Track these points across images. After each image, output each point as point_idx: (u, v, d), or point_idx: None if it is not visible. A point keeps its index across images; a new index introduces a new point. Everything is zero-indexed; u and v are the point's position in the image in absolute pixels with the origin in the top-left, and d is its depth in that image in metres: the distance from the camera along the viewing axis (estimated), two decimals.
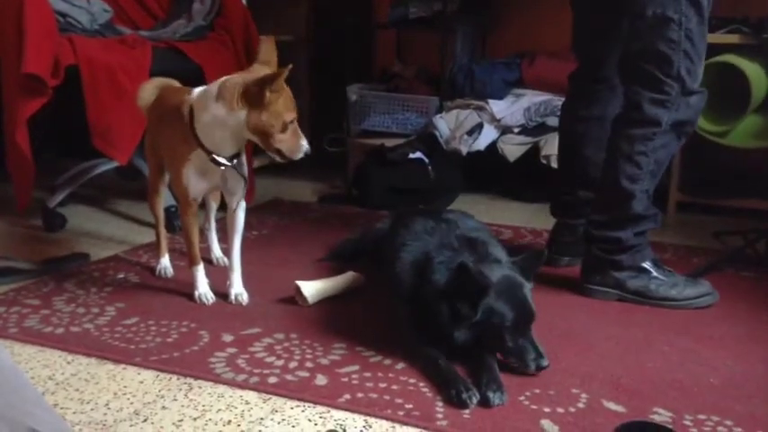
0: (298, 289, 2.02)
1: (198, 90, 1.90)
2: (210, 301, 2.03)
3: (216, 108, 1.80)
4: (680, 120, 1.95)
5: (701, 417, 1.46)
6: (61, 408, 1.48)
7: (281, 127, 1.80)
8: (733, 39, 2.77)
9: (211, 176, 1.93)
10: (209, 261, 2.30)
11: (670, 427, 1.41)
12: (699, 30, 1.91)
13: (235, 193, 1.99)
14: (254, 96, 1.76)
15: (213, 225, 2.39)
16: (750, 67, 2.71)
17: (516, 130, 3.22)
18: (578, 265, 2.17)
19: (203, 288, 2.06)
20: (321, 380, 1.59)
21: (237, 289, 2.05)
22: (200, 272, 2.07)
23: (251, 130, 1.81)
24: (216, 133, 1.83)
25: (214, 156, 1.87)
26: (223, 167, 1.90)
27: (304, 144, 1.84)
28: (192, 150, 1.87)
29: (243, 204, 2.03)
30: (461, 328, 1.59)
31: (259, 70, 1.83)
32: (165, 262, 2.28)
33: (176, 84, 2.21)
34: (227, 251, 2.13)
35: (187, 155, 1.89)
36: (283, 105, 1.79)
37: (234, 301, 2.03)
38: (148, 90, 2.17)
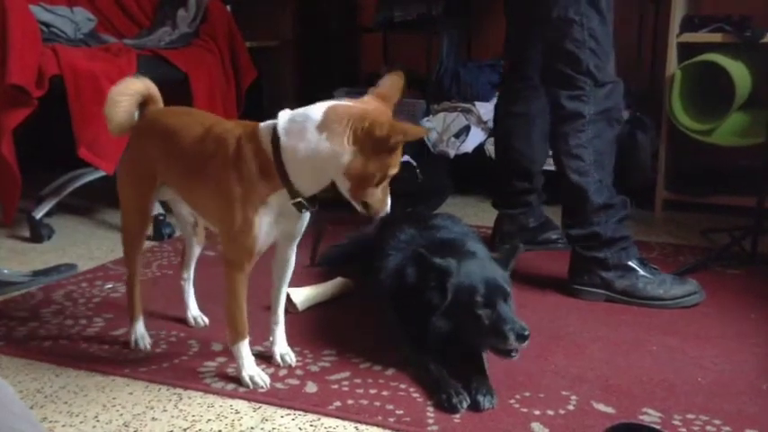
0: (287, 296, 2.01)
1: (283, 115, 1.50)
2: (267, 385, 1.60)
3: (318, 139, 1.42)
4: (602, 109, 2.04)
5: (690, 416, 1.47)
6: (50, 421, 1.48)
7: (381, 180, 1.49)
8: (716, 38, 2.79)
9: (286, 223, 1.56)
10: (182, 320, 1.93)
11: (659, 428, 1.41)
12: (601, 29, 2.02)
13: (297, 237, 1.65)
14: (372, 139, 1.41)
15: (192, 275, 1.94)
16: (733, 66, 2.73)
17: None
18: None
19: (252, 369, 1.61)
20: (311, 387, 1.59)
21: (282, 348, 1.72)
22: (247, 348, 1.63)
23: (346, 175, 1.45)
24: (311, 169, 1.46)
25: (301, 198, 1.49)
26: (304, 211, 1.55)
27: (389, 202, 1.54)
28: (273, 191, 1.49)
29: (294, 246, 1.68)
30: (438, 317, 1.60)
31: (371, 103, 1.48)
32: (141, 329, 1.81)
33: (154, 89, 1.74)
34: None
35: (265, 198, 1.48)
36: (395, 158, 1.48)
37: (281, 363, 1.70)
38: (123, 106, 1.67)
